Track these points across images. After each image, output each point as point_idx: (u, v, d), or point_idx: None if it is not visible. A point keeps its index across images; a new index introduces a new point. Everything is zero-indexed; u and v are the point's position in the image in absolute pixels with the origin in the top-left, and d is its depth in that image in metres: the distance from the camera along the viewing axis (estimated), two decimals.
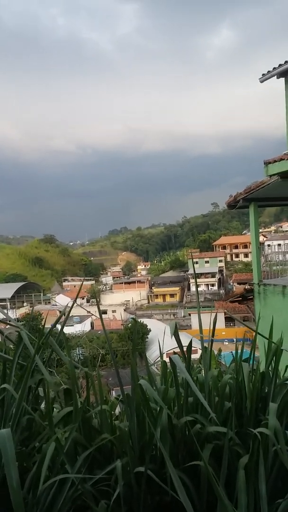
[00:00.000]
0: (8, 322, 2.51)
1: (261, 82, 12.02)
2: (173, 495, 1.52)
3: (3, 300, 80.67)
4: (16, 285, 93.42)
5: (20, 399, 1.72)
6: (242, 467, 1.67)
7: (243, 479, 1.62)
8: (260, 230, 15.93)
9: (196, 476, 1.76)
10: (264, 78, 11.82)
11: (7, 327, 2.54)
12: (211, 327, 2.36)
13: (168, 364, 2.29)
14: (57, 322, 2.28)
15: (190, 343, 2.12)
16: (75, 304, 2.52)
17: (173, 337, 2.02)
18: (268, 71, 11.63)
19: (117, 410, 2.60)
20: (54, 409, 2.08)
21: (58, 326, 2.33)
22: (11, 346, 2.17)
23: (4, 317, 2.56)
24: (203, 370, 2.33)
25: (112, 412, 2.29)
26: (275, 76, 11.58)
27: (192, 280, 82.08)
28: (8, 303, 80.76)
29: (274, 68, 11.44)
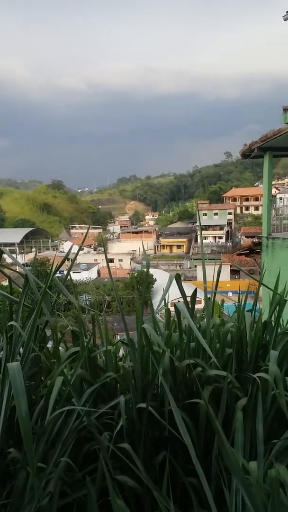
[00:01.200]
0: (17, 265, 2.52)
1: (286, 20, 11.14)
2: (172, 432, 1.61)
3: (12, 244, 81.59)
4: (25, 230, 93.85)
5: (30, 336, 1.78)
6: (240, 408, 1.75)
7: (241, 419, 1.70)
8: (273, 182, 15.51)
9: (195, 415, 1.85)
10: None
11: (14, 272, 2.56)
12: (215, 278, 2.37)
13: (172, 312, 2.33)
14: (61, 265, 2.28)
15: (195, 292, 2.14)
16: (82, 251, 2.51)
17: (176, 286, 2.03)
18: None
19: (121, 353, 2.69)
20: (61, 348, 2.15)
21: (65, 272, 2.33)
22: (20, 289, 2.20)
23: (13, 261, 2.57)
24: (205, 318, 2.37)
25: (117, 354, 2.37)
26: None
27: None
28: (17, 248, 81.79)
29: None
